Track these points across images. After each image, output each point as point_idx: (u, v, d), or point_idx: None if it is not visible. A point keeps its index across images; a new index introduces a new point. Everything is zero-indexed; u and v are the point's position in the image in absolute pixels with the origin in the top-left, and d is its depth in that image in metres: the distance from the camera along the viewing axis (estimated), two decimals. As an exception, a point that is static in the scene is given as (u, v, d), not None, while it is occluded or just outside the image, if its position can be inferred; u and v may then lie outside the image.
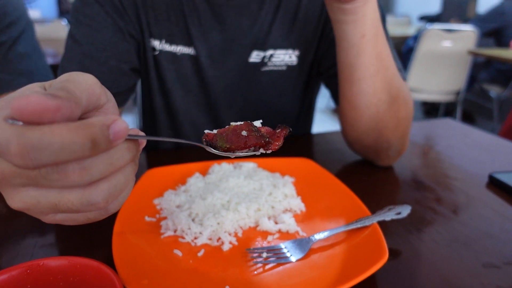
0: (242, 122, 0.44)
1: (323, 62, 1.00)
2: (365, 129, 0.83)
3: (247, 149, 0.44)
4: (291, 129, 0.46)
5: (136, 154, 0.35)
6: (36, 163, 0.27)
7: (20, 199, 0.32)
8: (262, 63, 0.97)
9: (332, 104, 4.48)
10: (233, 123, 0.44)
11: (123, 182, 0.34)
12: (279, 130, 0.45)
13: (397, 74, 0.81)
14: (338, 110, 0.99)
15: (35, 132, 0.27)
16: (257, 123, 0.45)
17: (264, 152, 0.44)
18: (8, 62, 0.98)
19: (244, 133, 0.43)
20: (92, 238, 0.63)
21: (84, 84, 0.32)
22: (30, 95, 0.26)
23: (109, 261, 0.50)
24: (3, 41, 0.96)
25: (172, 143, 1.07)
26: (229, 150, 0.43)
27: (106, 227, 0.61)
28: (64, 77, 0.33)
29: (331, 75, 0.98)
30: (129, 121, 3.41)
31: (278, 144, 0.44)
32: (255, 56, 0.95)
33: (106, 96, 0.36)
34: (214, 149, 0.44)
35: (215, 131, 0.44)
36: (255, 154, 0.45)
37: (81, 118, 0.33)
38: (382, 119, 0.81)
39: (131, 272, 0.51)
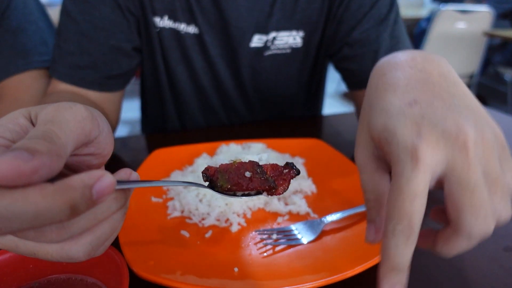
0: (247, 161, 0.40)
1: (332, 44, 0.94)
2: None
3: (249, 191, 0.40)
4: (299, 172, 0.41)
5: (126, 201, 0.32)
6: (7, 231, 0.24)
7: (0, 241, 0.29)
8: (265, 47, 0.91)
9: (342, 88, 4.41)
10: (238, 159, 0.40)
11: (109, 231, 0.31)
12: (286, 171, 0.40)
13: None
14: (351, 93, 0.96)
15: (4, 199, 0.23)
16: (264, 157, 0.42)
17: (266, 196, 0.40)
18: (0, 41, 0.87)
19: (247, 174, 0.39)
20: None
21: (72, 123, 0.28)
22: (1, 158, 0.23)
23: (114, 242, 0.48)
24: None
25: (179, 125, 1.04)
26: (229, 191, 0.39)
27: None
28: (50, 113, 0.28)
29: (342, 57, 0.92)
30: (135, 107, 3.39)
31: (283, 188, 0.40)
32: (257, 41, 0.90)
33: (98, 129, 0.32)
34: (214, 186, 0.40)
35: (217, 166, 0.40)
36: (259, 193, 0.40)
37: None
38: None
39: (137, 253, 0.49)
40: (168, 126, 1.05)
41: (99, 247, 0.31)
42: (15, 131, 0.28)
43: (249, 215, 0.61)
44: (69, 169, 0.32)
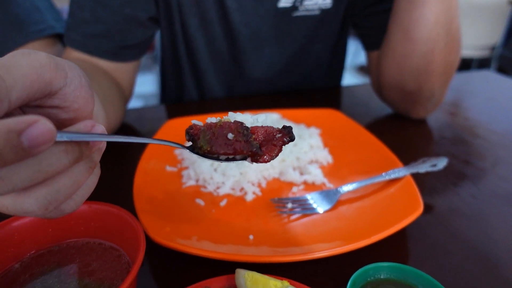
0: (234, 119, 0.35)
1: (359, 1, 0.91)
2: (414, 69, 0.76)
3: (232, 156, 0.35)
4: (293, 138, 0.35)
5: (82, 155, 0.29)
6: None
7: None
8: (293, 7, 0.89)
9: (357, 61, 4.30)
10: (224, 118, 0.35)
11: (70, 185, 0.29)
12: (279, 135, 0.35)
13: (458, 11, 0.74)
14: (369, 59, 0.93)
15: None
16: (261, 117, 0.36)
17: (250, 163, 0.36)
18: None
19: (230, 136, 0.34)
20: (113, 186, 0.62)
21: (26, 68, 0.26)
22: None
23: (131, 210, 0.49)
24: None
25: (196, 95, 1.03)
26: (210, 153, 0.35)
27: (127, 176, 0.60)
28: (5, 58, 0.27)
29: (367, 15, 0.90)
30: (149, 80, 3.39)
31: (270, 155, 0.35)
32: (285, 1, 0.88)
33: (64, 80, 0.29)
34: (195, 147, 0.36)
35: (203, 123, 0.36)
36: (245, 159, 0.36)
37: (30, 106, 0.29)
38: (434, 60, 0.74)
39: (153, 220, 0.50)
40: (186, 97, 1.04)
41: (60, 202, 0.29)
42: None
43: (263, 185, 0.60)
44: None
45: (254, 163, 0.38)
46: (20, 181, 0.26)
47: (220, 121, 0.35)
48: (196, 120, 0.36)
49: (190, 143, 0.36)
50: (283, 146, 0.35)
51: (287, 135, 0.35)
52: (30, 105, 0.29)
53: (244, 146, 0.34)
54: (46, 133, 0.24)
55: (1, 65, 0.25)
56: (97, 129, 0.30)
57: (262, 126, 0.35)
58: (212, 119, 0.35)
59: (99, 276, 0.39)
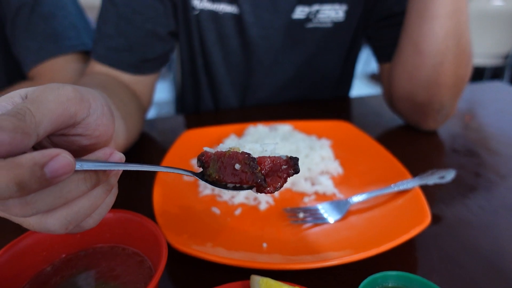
0: (243, 148, 0.37)
1: (372, 15, 0.94)
2: (424, 81, 0.78)
3: (239, 185, 0.36)
4: (298, 171, 0.37)
5: (100, 181, 0.32)
6: None
7: None
8: (307, 19, 0.92)
9: (368, 69, 4.31)
10: (235, 148, 0.37)
11: (88, 206, 0.32)
12: (285, 167, 0.36)
13: (468, 24, 0.76)
14: (381, 71, 0.95)
15: None
16: (269, 147, 0.38)
17: (255, 193, 0.37)
18: (33, 26, 0.91)
19: (237, 166, 0.35)
20: (133, 195, 0.65)
21: (53, 103, 0.29)
22: None
23: (151, 217, 0.52)
24: (24, 1, 0.89)
25: (212, 105, 1.06)
26: (218, 181, 0.37)
27: (147, 184, 0.63)
28: (35, 93, 0.29)
29: (380, 27, 0.92)
30: (163, 88, 3.45)
31: (274, 187, 0.36)
32: (300, 12, 0.91)
33: (87, 110, 0.32)
34: (204, 174, 0.38)
35: (214, 151, 0.38)
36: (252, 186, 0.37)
37: (54, 135, 0.32)
38: (444, 73, 0.76)
39: (172, 227, 0.53)
40: (202, 108, 1.08)
41: (79, 221, 0.32)
42: (6, 108, 0.29)
43: (276, 195, 0.63)
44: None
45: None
46: (44, 205, 0.29)
47: (229, 150, 0.36)
48: (208, 148, 0.38)
49: (201, 169, 0.38)
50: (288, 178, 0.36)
51: (292, 167, 0.36)
52: (56, 134, 0.32)
53: (250, 177, 0.35)
54: (66, 166, 0.27)
55: (31, 101, 0.28)
56: (114, 157, 0.33)
57: (269, 157, 0.37)
58: (223, 145, 0.37)
59: (123, 280, 0.42)
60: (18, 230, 0.47)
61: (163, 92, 3.34)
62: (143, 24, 0.83)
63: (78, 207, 0.31)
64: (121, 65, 0.83)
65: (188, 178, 0.67)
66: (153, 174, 0.65)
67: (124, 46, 0.82)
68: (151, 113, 1.00)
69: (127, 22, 0.82)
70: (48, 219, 0.30)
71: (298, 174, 0.65)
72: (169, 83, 4.07)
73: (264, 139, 0.74)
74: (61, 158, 0.27)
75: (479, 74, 4.30)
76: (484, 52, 3.45)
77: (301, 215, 0.57)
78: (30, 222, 0.31)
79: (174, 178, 0.66)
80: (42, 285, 0.41)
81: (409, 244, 0.53)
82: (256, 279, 0.41)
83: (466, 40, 0.76)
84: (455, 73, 0.77)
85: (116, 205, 0.64)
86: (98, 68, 0.83)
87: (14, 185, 0.25)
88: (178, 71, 1.10)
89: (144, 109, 0.91)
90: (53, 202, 0.29)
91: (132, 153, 0.78)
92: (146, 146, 0.84)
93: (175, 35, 0.93)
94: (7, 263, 0.40)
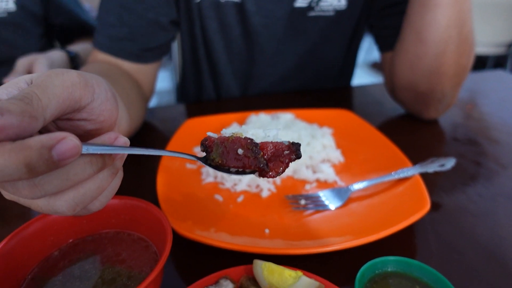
0: (246, 133, 0.37)
1: (375, 3, 0.94)
2: (426, 70, 0.78)
3: (242, 170, 0.37)
4: (300, 156, 0.37)
5: (105, 164, 0.32)
6: None
7: (4, 195, 0.32)
8: (309, 7, 0.92)
9: (370, 58, 4.28)
10: (238, 133, 0.37)
11: (94, 189, 0.32)
12: (287, 152, 0.37)
13: (471, 13, 0.76)
14: (383, 60, 0.94)
15: None
16: (271, 133, 0.38)
17: (258, 177, 0.37)
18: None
19: (240, 151, 0.36)
20: (138, 182, 0.66)
21: (59, 88, 0.29)
22: None
23: (155, 204, 0.52)
24: None
25: (214, 95, 1.07)
26: (221, 165, 0.37)
27: (151, 172, 0.64)
28: (40, 78, 0.30)
29: (382, 16, 0.92)
30: (163, 77, 3.44)
31: (276, 171, 0.37)
32: (302, 1, 0.91)
33: (92, 95, 0.33)
34: (208, 159, 0.38)
35: (217, 136, 0.38)
36: (254, 171, 0.37)
37: (60, 119, 0.33)
38: (446, 62, 0.76)
39: (176, 213, 0.54)
40: (204, 97, 1.08)
41: (86, 203, 0.33)
42: (12, 94, 0.30)
43: (278, 182, 0.64)
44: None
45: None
46: (51, 187, 0.29)
47: (232, 136, 0.37)
48: (211, 133, 0.38)
49: (204, 154, 0.39)
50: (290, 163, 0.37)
51: (294, 152, 0.37)
52: (61, 118, 0.33)
53: (252, 162, 0.36)
54: (73, 148, 0.27)
55: (37, 86, 0.29)
56: (119, 141, 0.34)
57: (272, 142, 0.37)
58: (226, 131, 0.37)
59: (129, 264, 0.43)
60: (24, 216, 0.48)
61: (163, 81, 3.33)
62: (145, 13, 0.82)
63: (85, 189, 0.32)
64: (123, 54, 0.83)
65: (191, 166, 0.68)
66: (156, 162, 0.65)
67: (126, 35, 0.82)
68: (152, 102, 1.00)
69: (129, 11, 0.82)
70: (56, 201, 0.31)
71: (300, 161, 0.67)
72: (170, 72, 4.05)
73: (266, 127, 0.75)
74: (68, 141, 0.27)
75: (482, 63, 4.27)
76: (487, 41, 3.42)
77: (302, 202, 0.58)
78: (38, 204, 0.31)
79: (178, 166, 0.67)
80: (50, 268, 0.42)
81: (409, 231, 0.54)
82: (258, 264, 0.42)
83: (469, 29, 0.75)
84: (457, 63, 0.77)
85: (121, 192, 0.65)
86: (100, 57, 0.83)
87: (23, 167, 0.26)
88: (179, 60, 1.10)
89: (146, 97, 0.91)
90: (61, 185, 0.30)
91: (134, 141, 0.79)
92: (148, 135, 0.84)
93: (176, 24, 0.92)
94: (16, 248, 0.41)
